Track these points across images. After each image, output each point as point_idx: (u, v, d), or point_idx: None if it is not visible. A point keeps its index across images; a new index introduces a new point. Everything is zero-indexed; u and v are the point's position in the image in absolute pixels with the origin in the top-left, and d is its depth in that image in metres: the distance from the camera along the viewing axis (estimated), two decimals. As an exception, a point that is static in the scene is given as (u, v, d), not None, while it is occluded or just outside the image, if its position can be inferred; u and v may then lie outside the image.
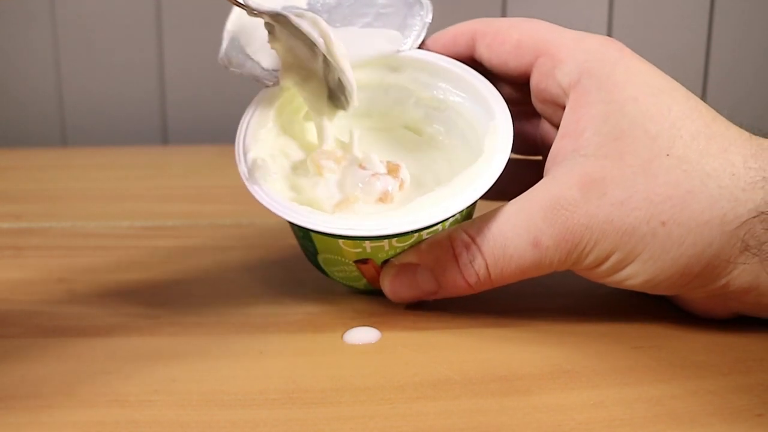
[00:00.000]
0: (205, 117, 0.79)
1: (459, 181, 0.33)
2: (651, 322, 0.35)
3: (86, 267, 0.43)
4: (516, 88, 0.37)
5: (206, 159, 0.71)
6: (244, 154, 0.34)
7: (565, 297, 0.38)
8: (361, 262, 0.34)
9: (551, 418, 0.27)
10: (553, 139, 0.35)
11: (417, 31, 0.38)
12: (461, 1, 0.76)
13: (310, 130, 0.38)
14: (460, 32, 0.37)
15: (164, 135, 0.81)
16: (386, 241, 0.33)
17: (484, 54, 0.37)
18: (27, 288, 0.40)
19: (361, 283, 0.36)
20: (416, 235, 0.33)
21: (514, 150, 0.34)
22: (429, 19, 0.38)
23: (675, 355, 0.32)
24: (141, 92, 0.79)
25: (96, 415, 0.27)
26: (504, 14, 0.79)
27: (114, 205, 0.55)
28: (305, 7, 0.38)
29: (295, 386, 0.30)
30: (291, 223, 0.35)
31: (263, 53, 0.36)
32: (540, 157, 0.40)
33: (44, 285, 0.40)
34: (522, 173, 0.38)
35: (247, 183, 0.33)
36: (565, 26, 0.35)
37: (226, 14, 0.37)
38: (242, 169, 0.34)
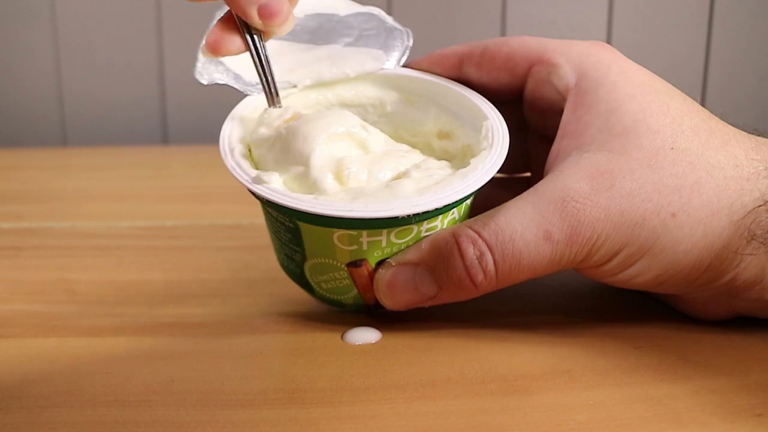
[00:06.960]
0: (205, 117, 0.79)
1: (460, 172, 0.32)
2: (651, 322, 0.35)
3: (86, 267, 0.43)
4: (503, 107, 0.36)
5: (206, 159, 0.71)
6: (230, 150, 0.34)
7: (565, 297, 0.38)
8: (355, 264, 0.33)
9: (551, 418, 0.27)
10: (546, 152, 0.35)
11: (400, 51, 0.38)
12: (461, 1, 0.76)
13: None
14: (445, 55, 0.37)
15: (164, 135, 0.81)
16: (384, 235, 0.32)
17: (473, 74, 0.37)
18: (27, 288, 0.40)
19: (350, 296, 0.35)
20: (415, 231, 0.33)
21: (501, 168, 0.33)
22: (410, 42, 0.38)
23: (675, 355, 0.32)
24: (141, 92, 0.80)
25: (96, 415, 0.27)
26: (504, 14, 0.79)
27: (114, 205, 0.55)
28: None
29: (295, 386, 0.30)
30: (275, 232, 0.35)
31: (242, 65, 0.36)
32: (528, 174, 0.40)
33: (44, 285, 0.40)
34: (514, 188, 0.37)
35: (235, 174, 0.33)
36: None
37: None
38: (229, 163, 0.33)
